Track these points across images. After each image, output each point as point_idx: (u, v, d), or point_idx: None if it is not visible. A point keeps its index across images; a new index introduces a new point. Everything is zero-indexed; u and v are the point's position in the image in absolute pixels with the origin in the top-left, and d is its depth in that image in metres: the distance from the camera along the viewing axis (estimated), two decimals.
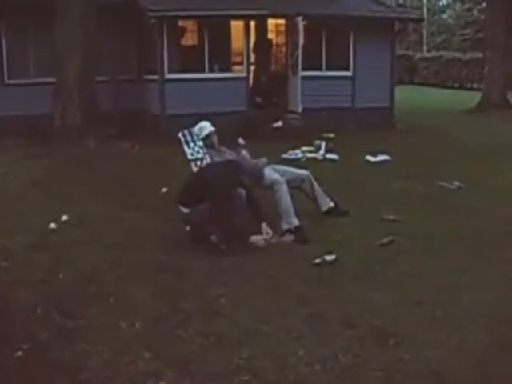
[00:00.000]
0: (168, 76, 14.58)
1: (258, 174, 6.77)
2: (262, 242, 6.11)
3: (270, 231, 6.23)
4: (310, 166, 9.16)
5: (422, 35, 45.11)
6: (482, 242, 6.39)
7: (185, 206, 6.27)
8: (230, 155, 7.21)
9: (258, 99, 15.95)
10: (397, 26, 17.33)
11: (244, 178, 6.42)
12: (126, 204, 7.97)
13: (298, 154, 11.77)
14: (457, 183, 9.02)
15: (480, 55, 27.05)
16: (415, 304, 4.83)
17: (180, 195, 6.44)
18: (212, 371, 3.85)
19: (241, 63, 15.70)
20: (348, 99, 16.21)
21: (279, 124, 15.15)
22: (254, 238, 6.12)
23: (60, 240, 6.53)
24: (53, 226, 6.92)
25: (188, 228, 6.44)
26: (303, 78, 15.18)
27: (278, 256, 5.95)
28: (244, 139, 7.30)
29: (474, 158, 11.53)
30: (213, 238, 6.17)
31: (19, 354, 4.03)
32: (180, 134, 7.62)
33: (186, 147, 7.54)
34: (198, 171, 6.95)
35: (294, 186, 7.02)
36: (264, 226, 6.20)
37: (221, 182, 6.11)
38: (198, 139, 7.48)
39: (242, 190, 6.27)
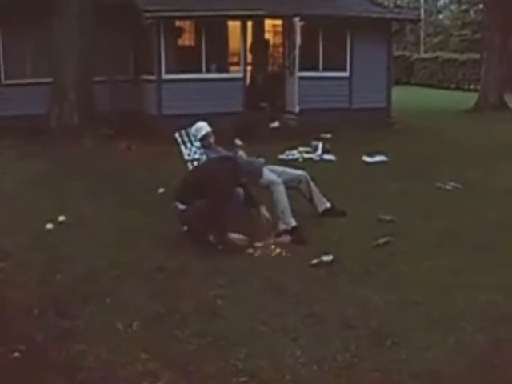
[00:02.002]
0: (165, 76, 14.59)
1: (256, 170, 6.76)
2: (243, 241, 6.09)
3: (267, 214, 6.32)
4: (306, 166, 9.15)
5: (419, 36, 45.17)
6: (478, 242, 6.40)
7: (182, 202, 6.27)
8: None
9: (264, 104, 15.95)
10: (394, 26, 17.37)
11: (242, 173, 6.40)
12: (123, 204, 7.97)
13: (294, 154, 11.78)
14: (453, 184, 9.03)
15: (477, 56, 27.08)
16: (412, 304, 4.84)
17: (177, 191, 6.43)
18: (209, 372, 3.85)
19: (238, 64, 15.71)
20: (345, 100, 16.22)
21: (276, 124, 15.16)
22: (234, 236, 6.09)
23: (57, 240, 6.53)
24: (50, 226, 6.91)
25: (185, 228, 6.44)
26: (300, 78, 15.20)
27: (275, 256, 5.95)
28: (241, 140, 7.33)
29: (471, 158, 11.54)
30: (210, 238, 6.16)
31: (16, 354, 4.02)
32: (177, 135, 7.63)
33: (182, 147, 7.55)
34: (197, 167, 6.94)
35: (291, 186, 7.02)
36: (263, 210, 6.38)
37: (220, 178, 6.11)
38: (195, 140, 7.48)
39: (240, 190, 6.27)
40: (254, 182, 6.61)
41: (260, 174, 6.58)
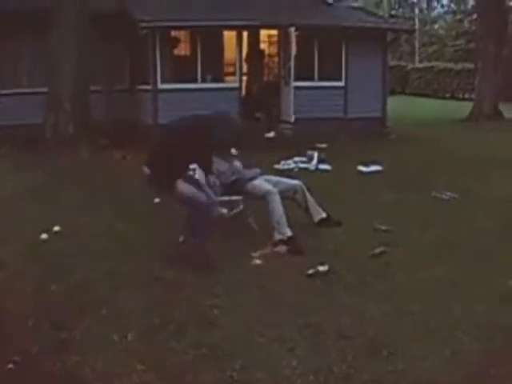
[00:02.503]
0: (161, 86, 14.61)
1: (233, 129, 6.79)
2: (191, 192, 5.97)
3: (217, 182, 6.39)
4: (302, 176, 9.15)
5: (413, 46, 45.34)
6: (474, 252, 6.39)
7: (149, 166, 6.20)
8: (221, 165, 7.20)
9: (259, 114, 15.96)
10: (389, 36, 17.43)
11: (218, 135, 6.42)
12: (118, 214, 7.95)
13: (290, 164, 11.78)
14: (449, 193, 9.04)
15: (471, 66, 27.20)
16: (408, 314, 4.83)
17: (148, 156, 6.34)
18: (205, 382, 3.83)
19: (233, 73, 15.74)
20: (340, 109, 16.25)
21: (272, 134, 15.17)
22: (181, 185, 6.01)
23: (52, 250, 6.50)
24: (44, 236, 6.89)
25: (181, 238, 6.42)
26: (296, 88, 15.23)
27: (271, 267, 5.94)
28: (237, 150, 7.30)
29: (467, 168, 11.55)
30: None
31: (10, 366, 4.00)
32: None
33: None
34: (169, 131, 6.92)
35: (287, 196, 7.01)
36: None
37: (191, 142, 6.17)
38: None
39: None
40: (249, 191, 6.64)
41: (238, 125, 6.58)
